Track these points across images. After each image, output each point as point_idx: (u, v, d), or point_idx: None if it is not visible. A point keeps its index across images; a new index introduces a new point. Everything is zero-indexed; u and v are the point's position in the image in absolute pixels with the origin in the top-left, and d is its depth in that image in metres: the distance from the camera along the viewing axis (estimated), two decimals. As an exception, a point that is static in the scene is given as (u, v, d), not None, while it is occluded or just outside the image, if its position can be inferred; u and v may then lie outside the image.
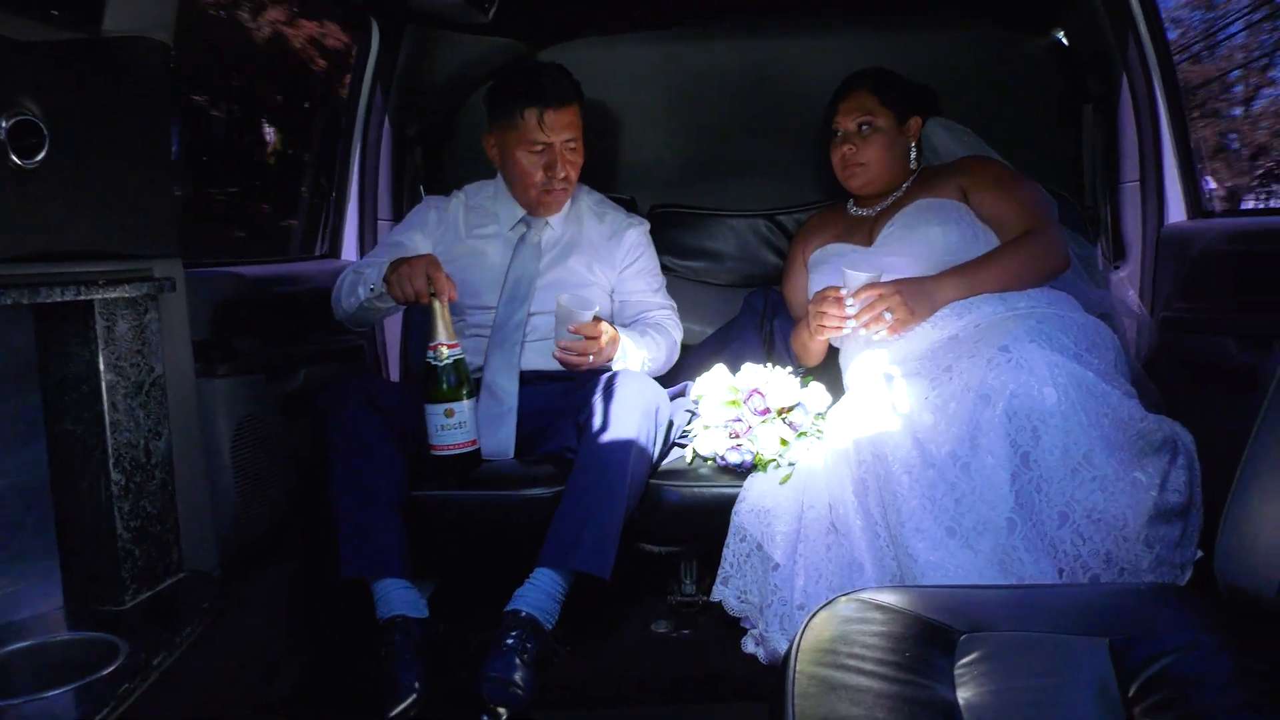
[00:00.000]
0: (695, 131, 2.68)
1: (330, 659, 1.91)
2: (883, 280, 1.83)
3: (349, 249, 2.48)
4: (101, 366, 1.44)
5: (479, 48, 2.50)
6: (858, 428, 1.68)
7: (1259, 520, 1.02)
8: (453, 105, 2.66)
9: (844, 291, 1.83)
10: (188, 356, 1.61)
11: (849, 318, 1.83)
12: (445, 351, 1.77)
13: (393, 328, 2.52)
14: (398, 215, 2.52)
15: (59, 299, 1.34)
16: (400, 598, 1.70)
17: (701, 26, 2.60)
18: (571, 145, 2.08)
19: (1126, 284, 2.19)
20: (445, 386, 1.77)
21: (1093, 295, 2.02)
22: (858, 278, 1.82)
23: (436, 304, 1.78)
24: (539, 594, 1.69)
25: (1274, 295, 1.67)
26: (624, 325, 2.15)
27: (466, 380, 1.80)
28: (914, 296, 1.80)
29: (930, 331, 1.82)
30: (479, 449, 1.85)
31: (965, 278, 1.84)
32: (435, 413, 1.79)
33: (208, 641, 1.47)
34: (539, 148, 2.05)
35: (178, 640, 1.40)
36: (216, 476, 1.72)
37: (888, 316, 1.79)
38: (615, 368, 2.00)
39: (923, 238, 1.96)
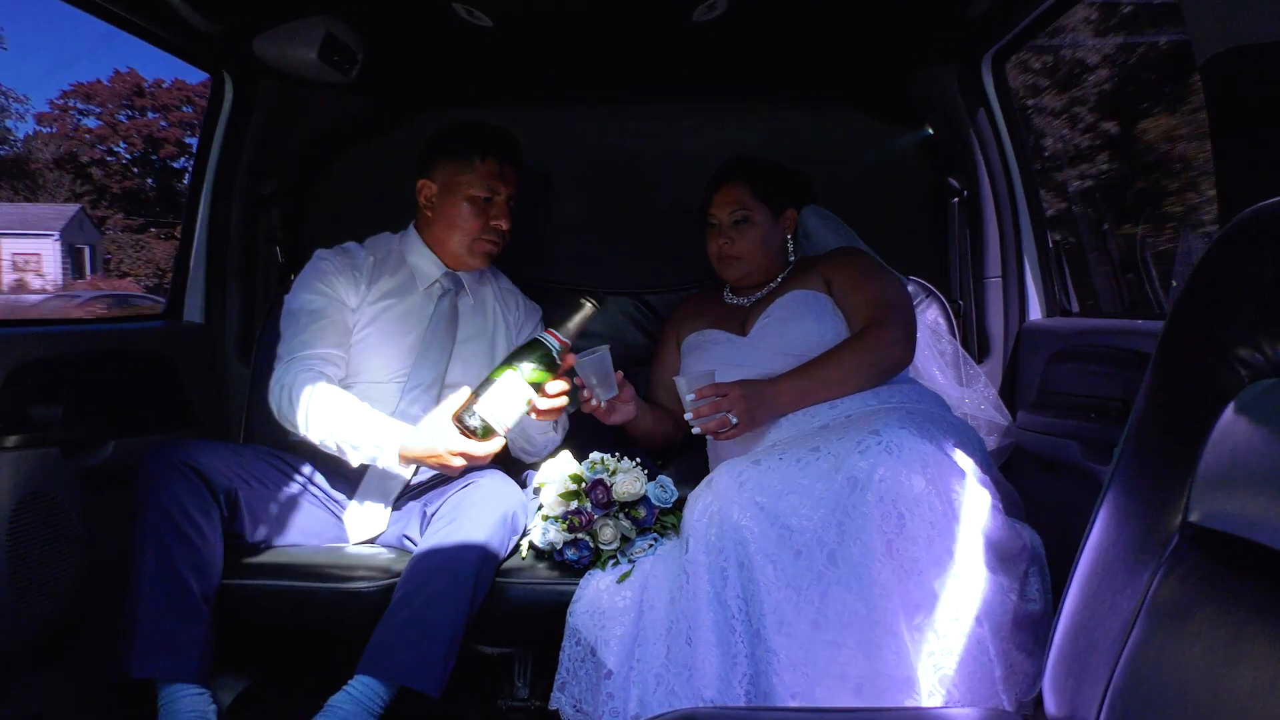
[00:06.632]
0: (567, 208, 2.63)
1: None
2: (718, 381, 1.76)
3: (193, 309, 2.31)
4: None
5: (343, 108, 2.41)
6: (718, 512, 1.58)
7: (1080, 643, 0.96)
8: (316, 164, 2.55)
9: (682, 390, 1.75)
10: None
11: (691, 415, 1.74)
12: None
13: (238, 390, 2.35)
14: (250, 277, 2.39)
15: None
16: (187, 706, 1.53)
17: (574, 102, 2.57)
18: (511, 207, 2.04)
19: (989, 381, 2.18)
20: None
21: (953, 394, 2.01)
22: (696, 378, 1.74)
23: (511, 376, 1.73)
24: (353, 705, 1.54)
25: (1114, 398, 1.67)
26: None
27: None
28: (755, 401, 1.74)
29: (801, 420, 1.77)
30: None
31: (802, 381, 1.79)
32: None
33: None
34: (487, 195, 1.99)
35: None
36: None
37: (732, 419, 1.71)
38: None
39: (797, 331, 1.91)
